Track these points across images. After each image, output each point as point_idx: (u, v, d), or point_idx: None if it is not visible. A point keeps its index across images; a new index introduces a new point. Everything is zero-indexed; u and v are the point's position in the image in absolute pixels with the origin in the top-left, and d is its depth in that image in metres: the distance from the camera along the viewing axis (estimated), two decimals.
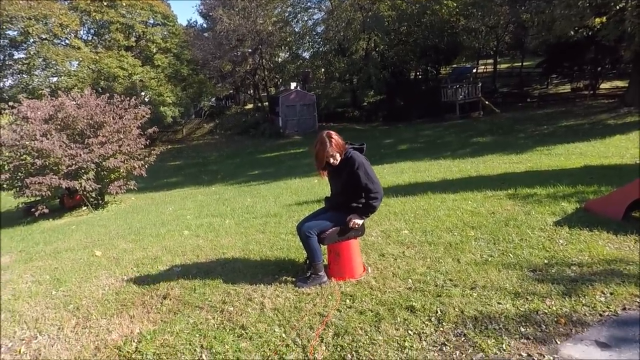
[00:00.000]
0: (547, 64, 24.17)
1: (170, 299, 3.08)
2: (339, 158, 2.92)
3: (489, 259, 3.19)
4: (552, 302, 2.47)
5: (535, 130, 14.53)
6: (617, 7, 13.56)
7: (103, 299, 3.25)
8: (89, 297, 3.32)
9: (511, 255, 3.22)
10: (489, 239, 3.62)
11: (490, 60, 29.30)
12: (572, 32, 16.07)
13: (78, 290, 3.51)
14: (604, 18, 13.67)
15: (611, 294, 2.50)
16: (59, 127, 9.74)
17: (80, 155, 9.23)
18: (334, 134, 2.94)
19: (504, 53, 31.34)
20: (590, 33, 16.02)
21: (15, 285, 3.83)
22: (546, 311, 2.38)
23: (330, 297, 2.82)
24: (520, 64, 28.89)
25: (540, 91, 25.01)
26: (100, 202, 10.65)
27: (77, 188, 9.40)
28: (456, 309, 2.48)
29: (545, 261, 3.07)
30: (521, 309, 2.43)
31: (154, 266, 3.93)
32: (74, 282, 3.72)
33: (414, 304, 2.58)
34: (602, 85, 22.01)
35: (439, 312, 2.47)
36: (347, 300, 2.74)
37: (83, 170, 9.49)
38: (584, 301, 2.45)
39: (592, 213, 3.99)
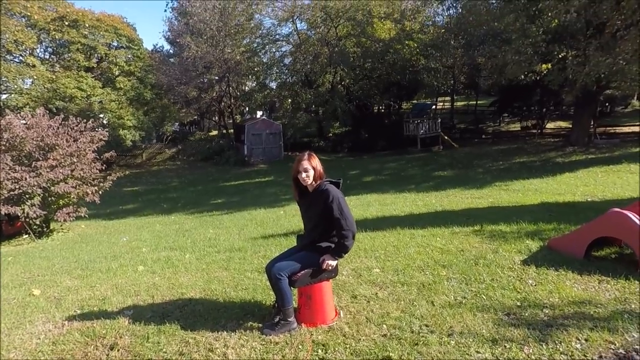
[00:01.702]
0: (499, 104, 25.92)
1: (118, 350, 2.72)
2: (311, 177, 2.80)
3: (463, 301, 3.11)
4: (530, 350, 2.40)
5: (492, 166, 15.26)
6: (560, 56, 14.92)
7: (37, 350, 2.82)
8: (19, 349, 2.87)
9: (484, 297, 3.17)
10: (460, 278, 3.56)
11: (448, 98, 30.98)
12: (522, 76, 17.44)
13: (6, 339, 3.03)
14: (549, 65, 14.93)
15: (586, 340, 2.47)
16: (3, 148, 8.99)
17: (26, 179, 8.51)
18: (315, 156, 2.89)
19: (460, 92, 33.33)
20: (537, 77, 17.44)
21: None
22: None
23: (300, 346, 2.59)
24: (475, 102, 30.74)
25: (493, 128, 26.62)
26: (45, 229, 9.76)
27: (19, 214, 8.60)
28: None
29: (518, 303, 3.04)
30: (501, 359, 2.33)
31: (102, 308, 3.52)
32: (3, 330, 3.22)
33: (390, 354, 2.41)
34: (548, 125, 23.76)
35: None
36: (319, 351, 2.53)
37: (28, 196, 8.72)
38: (561, 349, 2.40)
39: (555, 251, 4.08)
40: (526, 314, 2.84)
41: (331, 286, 3.06)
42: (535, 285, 3.34)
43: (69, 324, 3.23)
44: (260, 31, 25.80)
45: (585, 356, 2.31)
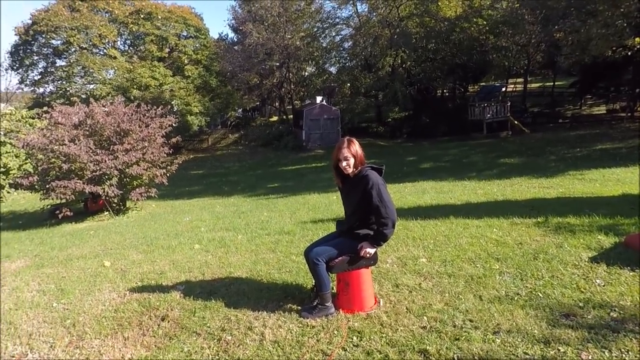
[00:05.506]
0: (580, 84, 23.28)
1: (169, 321, 2.92)
2: (352, 165, 2.72)
3: (515, 298, 2.88)
4: (590, 356, 2.15)
5: (568, 153, 13.85)
6: None
7: (101, 316, 3.13)
8: (87, 313, 3.21)
9: (540, 295, 2.90)
10: (515, 273, 3.30)
11: (521, 79, 28.54)
12: (610, 52, 15.40)
13: (78, 304, 3.41)
14: None
15: None
16: (87, 133, 10.00)
17: (105, 161, 9.41)
18: (355, 141, 2.79)
19: (535, 72, 30.49)
20: (629, 53, 15.30)
21: (20, 294, 3.79)
22: None
23: (336, 332, 2.58)
24: (552, 83, 27.99)
25: (573, 112, 24.07)
26: (122, 208, 10.81)
27: (100, 193, 9.57)
28: (476, 357, 2.20)
29: (580, 304, 2.73)
30: None
31: (159, 282, 3.80)
32: (77, 295, 3.63)
33: (427, 347, 2.31)
34: None
35: None
36: (354, 337, 2.50)
37: (107, 176, 9.67)
38: (627, 358, 2.12)
39: (633, 249, 3.61)
40: (589, 316, 2.55)
41: (370, 274, 3.00)
42: (603, 285, 2.98)
43: (130, 295, 3.54)
44: (320, 15, 25.64)
45: None
